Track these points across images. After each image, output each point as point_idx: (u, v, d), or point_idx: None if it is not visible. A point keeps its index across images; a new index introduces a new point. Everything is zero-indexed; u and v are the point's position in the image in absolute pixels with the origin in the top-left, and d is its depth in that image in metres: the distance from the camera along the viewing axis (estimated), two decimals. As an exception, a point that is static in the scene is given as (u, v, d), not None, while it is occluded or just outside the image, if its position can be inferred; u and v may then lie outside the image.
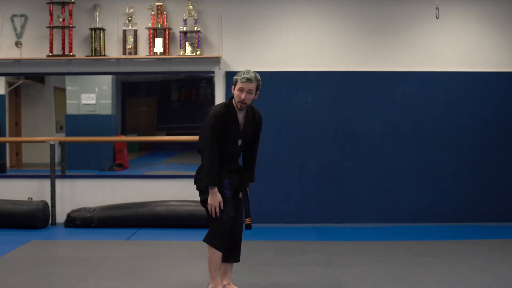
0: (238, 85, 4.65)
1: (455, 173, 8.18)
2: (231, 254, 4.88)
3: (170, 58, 8.17)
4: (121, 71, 8.37)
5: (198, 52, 8.07)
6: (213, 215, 4.66)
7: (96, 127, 10.51)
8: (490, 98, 8.19)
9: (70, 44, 8.14)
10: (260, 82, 4.73)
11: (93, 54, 8.15)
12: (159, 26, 8.10)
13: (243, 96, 4.64)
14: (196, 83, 12.06)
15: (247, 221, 4.83)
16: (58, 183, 8.21)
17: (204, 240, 4.77)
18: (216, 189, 4.64)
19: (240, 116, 4.74)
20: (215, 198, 4.64)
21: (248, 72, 4.67)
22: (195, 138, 8.24)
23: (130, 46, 8.15)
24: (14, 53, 8.28)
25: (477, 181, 8.18)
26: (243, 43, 8.20)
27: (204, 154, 4.68)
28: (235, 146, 4.76)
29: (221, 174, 4.70)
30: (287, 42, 8.20)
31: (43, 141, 8.48)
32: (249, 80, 4.63)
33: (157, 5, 8.10)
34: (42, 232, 7.63)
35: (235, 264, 5.02)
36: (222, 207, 4.66)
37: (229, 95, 7.95)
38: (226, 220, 4.68)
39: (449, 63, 8.18)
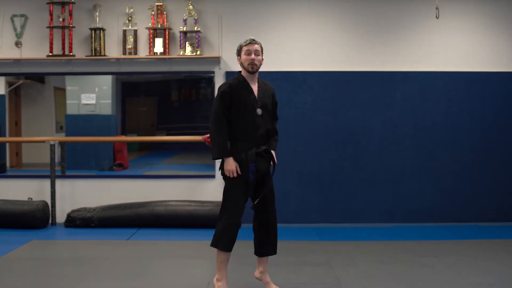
0: (244, 49, 4.71)
1: (455, 173, 8.18)
2: (261, 247, 4.77)
3: (170, 58, 8.17)
4: (121, 71, 8.37)
5: (198, 52, 8.07)
6: (231, 175, 4.57)
7: (96, 127, 10.50)
8: (490, 98, 8.19)
9: (70, 44, 8.14)
10: (262, 48, 4.80)
11: (93, 54, 8.15)
12: (159, 26, 8.10)
13: (252, 56, 4.68)
14: (196, 83, 12.05)
15: (257, 201, 4.71)
16: (58, 183, 8.21)
17: (211, 245, 4.66)
18: (229, 158, 4.58)
19: (253, 85, 4.74)
20: (230, 163, 4.58)
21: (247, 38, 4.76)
22: (195, 138, 8.27)
23: (130, 46, 8.15)
24: (14, 53, 8.29)
25: (477, 181, 8.19)
26: (243, 43, 8.19)
27: (211, 127, 4.64)
28: (256, 116, 4.66)
29: (248, 156, 4.60)
30: (287, 42, 8.20)
31: (43, 141, 8.49)
32: (253, 40, 4.75)
33: (157, 5, 8.10)
34: (42, 232, 7.63)
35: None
36: (239, 172, 4.58)
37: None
38: (253, 205, 4.63)
39: (449, 63, 8.19)
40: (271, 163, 4.77)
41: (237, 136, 4.65)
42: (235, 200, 4.60)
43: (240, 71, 4.81)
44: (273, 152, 4.79)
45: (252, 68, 4.68)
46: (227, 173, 4.61)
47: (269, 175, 4.77)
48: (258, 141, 4.66)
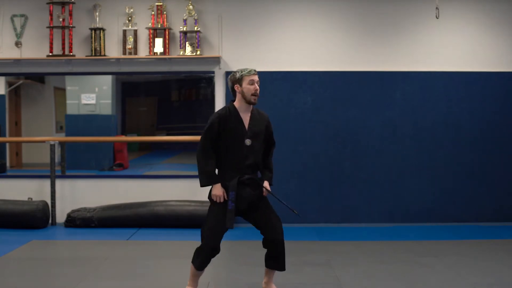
0: (247, 79, 4.63)
1: (455, 173, 8.18)
2: (270, 261, 4.77)
3: (170, 58, 8.17)
4: (121, 71, 8.37)
5: (198, 52, 8.07)
6: (218, 200, 4.63)
7: (96, 127, 10.51)
8: (490, 98, 8.19)
9: (70, 44, 8.14)
10: None
11: (93, 54, 8.15)
12: (159, 26, 8.10)
13: (256, 86, 4.65)
14: (196, 83, 12.06)
15: (296, 211, 4.77)
16: (58, 183, 8.21)
17: (191, 261, 4.74)
18: (217, 184, 4.62)
19: (245, 115, 4.70)
20: (218, 189, 4.62)
21: (247, 68, 4.73)
22: (195, 138, 8.27)
23: (130, 46, 8.15)
24: (14, 53, 8.28)
25: (477, 181, 8.19)
26: (243, 43, 8.20)
27: (198, 156, 4.67)
28: (243, 147, 4.66)
29: (229, 185, 4.61)
30: (287, 42, 8.20)
31: (43, 141, 8.49)
32: (255, 72, 4.69)
33: (157, 5, 8.10)
34: (42, 232, 7.63)
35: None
36: (226, 198, 4.61)
37: (229, 95, 7.95)
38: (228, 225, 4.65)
39: (449, 63, 8.19)
40: (264, 189, 4.76)
41: (224, 165, 4.69)
42: (215, 225, 4.64)
43: (233, 100, 4.77)
44: (266, 182, 4.79)
45: (255, 100, 4.66)
46: (213, 198, 4.67)
47: (261, 200, 4.76)
48: (244, 171, 4.68)
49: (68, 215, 7.90)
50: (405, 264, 5.95)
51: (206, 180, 4.64)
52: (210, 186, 4.68)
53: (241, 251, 6.53)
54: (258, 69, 4.85)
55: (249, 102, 4.66)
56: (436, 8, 7.03)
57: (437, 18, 7.10)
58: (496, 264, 5.95)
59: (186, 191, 8.11)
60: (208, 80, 8.79)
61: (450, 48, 8.19)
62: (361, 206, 8.17)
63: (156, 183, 8.31)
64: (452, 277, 5.52)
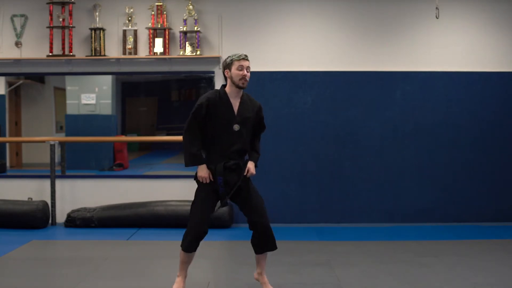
0: (236, 64, 4.65)
1: (455, 173, 8.18)
2: (258, 247, 4.79)
3: (170, 58, 8.17)
4: (121, 71, 8.37)
5: (198, 52, 8.07)
6: (204, 181, 4.69)
7: (96, 127, 10.51)
8: (490, 98, 8.19)
9: (70, 44, 8.14)
10: None
11: (93, 54, 8.15)
12: (159, 26, 8.10)
13: (244, 72, 4.66)
14: (196, 83, 12.06)
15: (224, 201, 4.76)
16: (58, 183, 8.21)
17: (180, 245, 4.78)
18: (202, 165, 4.67)
19: (235, 100, 4.72)
20: (203, 170, 4.68)
21: (238, 53, 4.74)
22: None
23: (130, 46, 8.15)
24: (14, 53, 8.28)
25: (477, 181, 8.18)
26: (243, 43, 8.19)
27: (184, 136, 4.69)
28: (232, 132, 4.68)
29: (216, 169, 4.67)
30: (287, 42, 8.20)
31: (43, 141, 8.49)
32: (246, 56, 4.70)
33: (157, 5, 8.11)
34: (42, 232, 7.63)
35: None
36: (212, 179, 4.66)
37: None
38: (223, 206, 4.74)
39: (449, 63, 8.19)
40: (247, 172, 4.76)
41: (211, 149, 4.72)
42: (201, 207, 4.70)
43: (224, 85, 4.79)
44: (251, 162, 4.79)
45: (243, 84, 4.66)
46: (199, 179, 4.72)
47: (246, 184, 4.76)
48: (230, 156, 4.70)
49: (68, 215, 7.90)
50: (405, 264, 5.95)
51: (190, 160, 4.67)
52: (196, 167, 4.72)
53: (241, 251, 6.53)
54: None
55: (237, 86, 4.68)
56: (436, 8, 7.03)
57: (437, 18, 7.10)
58: (496, 264, 5.95)
59: (186, 191, 8.09)
60: (208, 80, 8.79)
61: (450, 48, 8.19)
62: (361, 206, 8.17)
63: (156, 183, 8.31)
64: (452, 277, 5.52)
